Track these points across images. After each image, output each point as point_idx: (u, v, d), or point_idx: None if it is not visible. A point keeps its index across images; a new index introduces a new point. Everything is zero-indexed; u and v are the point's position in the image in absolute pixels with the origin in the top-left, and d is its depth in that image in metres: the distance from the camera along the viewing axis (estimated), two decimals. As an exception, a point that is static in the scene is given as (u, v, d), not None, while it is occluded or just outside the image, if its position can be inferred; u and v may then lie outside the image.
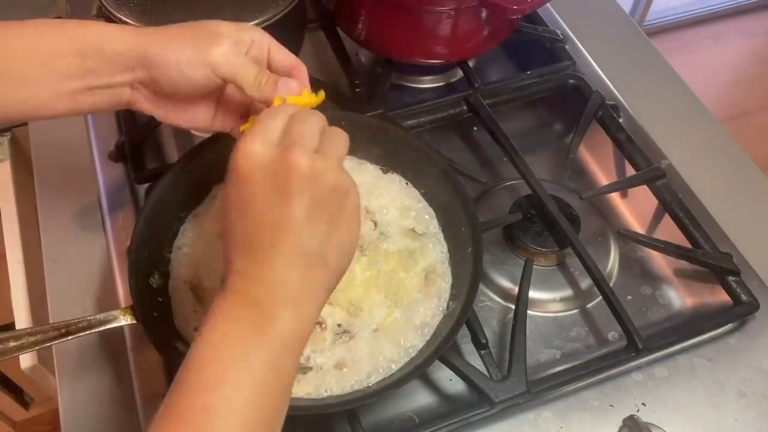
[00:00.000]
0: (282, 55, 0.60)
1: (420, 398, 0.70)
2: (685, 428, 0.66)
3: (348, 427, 0.64)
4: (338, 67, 0.92)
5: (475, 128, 0.92)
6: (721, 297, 0.74)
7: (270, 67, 0.59)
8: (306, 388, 0.61)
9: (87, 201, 0.81)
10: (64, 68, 0.56)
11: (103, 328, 0.60)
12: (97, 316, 0.60)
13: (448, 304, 0.67)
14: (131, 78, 0.57)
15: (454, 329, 0.63)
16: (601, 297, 0.73)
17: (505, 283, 0.77)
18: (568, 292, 0.77)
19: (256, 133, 0.48)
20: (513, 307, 0.72)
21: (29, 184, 0.85)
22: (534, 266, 0.75)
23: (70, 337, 0.59)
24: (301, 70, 0.60)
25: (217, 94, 0.61)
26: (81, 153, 0.85)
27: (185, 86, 0.57)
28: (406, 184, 0.74)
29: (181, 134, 0.87)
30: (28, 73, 0.56)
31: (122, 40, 0.56)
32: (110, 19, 0.78)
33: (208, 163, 0.70)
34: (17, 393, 1.37)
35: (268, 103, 0.56)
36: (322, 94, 0.59)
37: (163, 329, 0.63)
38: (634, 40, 1.01)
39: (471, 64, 0.93)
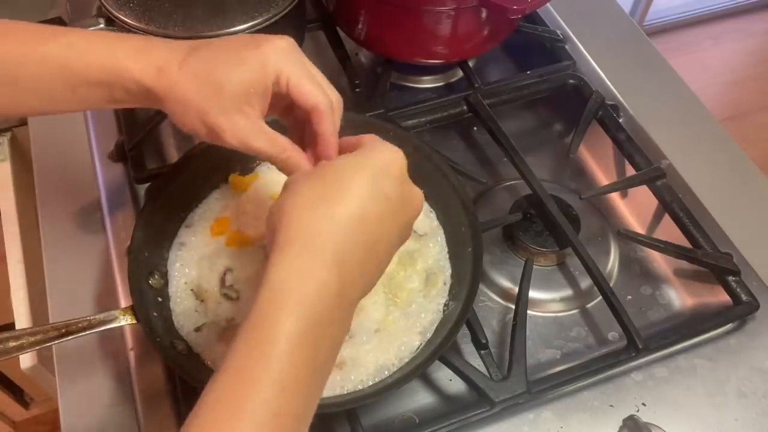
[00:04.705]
0: (300, 96, 0.53)
1: (420, 398, 0.70)
2: (685, 428, 0.66)
3: (348, 427, 0.64)
4: (338, 67, 0.92)
5: (475, 128, 0.92)
6: (721, 297, 0.74)
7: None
8: (306, 388, 0.61)
9: (87, 201, 0.80)
10: (92, 96, 0.55)
11: (103, 328, 0.60)
12: (97, 316, 0.60)
13: (448, 304, 0.67)
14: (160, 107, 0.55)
15: (454, 329, 0.63)
16: (601, 297, 0.73)
17: (505, 283, 0.77)
18: (568, 292, 0.77)
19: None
20: (513, 307, 0.72)
21: (29, 184, 0.84)
22: (534, 266, 0.75)
23: (70, 337, 0.59)
24: (319, 116, 0.53)
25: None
26: (81, 153, 0.84)
27: None
28: (406, 184, 0.74)
29: (181, 134, 0.87)
30: (54, 94, 0.55)
31: (144, 80, 0.53)
32: (110, 19, 0.78)
33: (208, 163, 0.71)
34: (17, 393, 1.37)
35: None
36: None
37: (163, 329, 0.63)
38: (634, 40, 1.01)
39: (471, 64, 0.93)
